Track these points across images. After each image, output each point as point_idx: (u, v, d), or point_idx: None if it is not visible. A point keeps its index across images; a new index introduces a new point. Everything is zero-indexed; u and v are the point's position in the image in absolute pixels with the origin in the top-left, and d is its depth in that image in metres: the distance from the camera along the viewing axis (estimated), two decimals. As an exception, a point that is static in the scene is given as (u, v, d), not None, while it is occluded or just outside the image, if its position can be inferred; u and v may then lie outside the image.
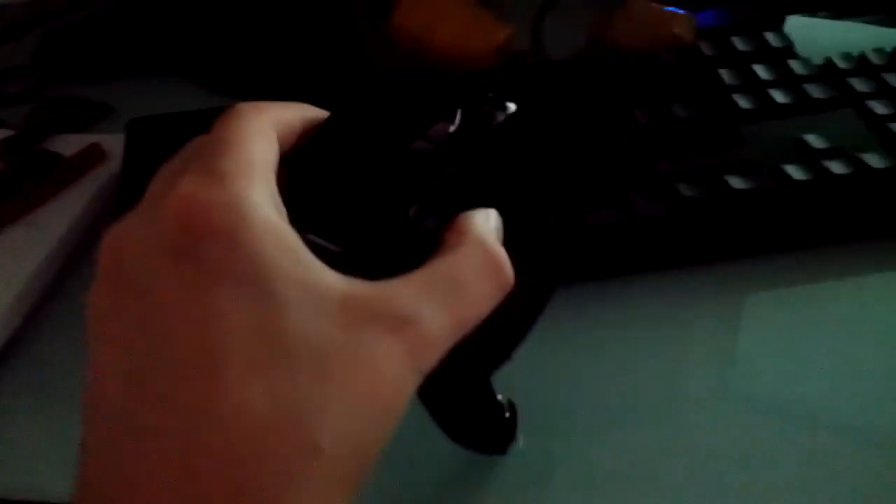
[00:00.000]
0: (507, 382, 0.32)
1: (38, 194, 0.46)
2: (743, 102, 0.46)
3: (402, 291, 0.23)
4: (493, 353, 0.30)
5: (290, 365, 0.21)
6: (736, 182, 0.41)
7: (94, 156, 0.48)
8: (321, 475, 0.20)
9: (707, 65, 0.48)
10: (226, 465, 0.20)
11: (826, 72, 0.48)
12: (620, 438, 0.35)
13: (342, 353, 0.21)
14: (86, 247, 0.45)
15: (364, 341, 0.21)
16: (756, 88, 0.46)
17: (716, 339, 0.40)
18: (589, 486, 0.34)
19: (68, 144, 0.49)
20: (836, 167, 0.42)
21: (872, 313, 0.40)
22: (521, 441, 0.34)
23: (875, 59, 0.48)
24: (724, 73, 0.47)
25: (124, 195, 0.44)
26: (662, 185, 0.41)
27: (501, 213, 0.27)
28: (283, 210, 0.23)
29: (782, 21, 0.56)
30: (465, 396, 0.31)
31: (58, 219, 0.45)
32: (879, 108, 0.45)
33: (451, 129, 0.27)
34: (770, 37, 0.49)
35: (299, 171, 0.26)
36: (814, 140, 0.43)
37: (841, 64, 0.48)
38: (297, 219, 0.23)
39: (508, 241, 0.26)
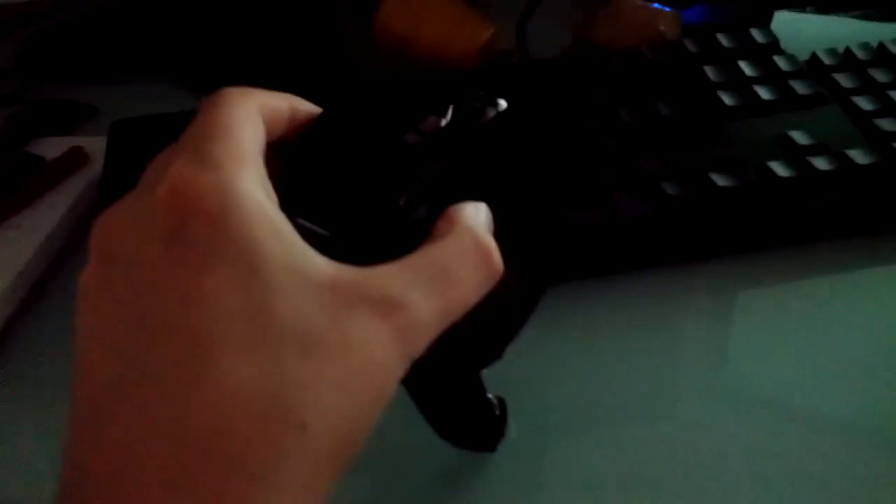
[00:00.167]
0: (498, 381, 0.32)
1: (21, 197, 0.46)
2: (728, 99, 0.45)
3: (391, 276, 0.23)
4: (484, 351, 0.30)
5: (278, 345, 0.21)
6: (721, 180, 0.41)
7: (76, 158, 0.48)
8: (307, 452, 0.21)
9: (692, 62, 0.48)
10: (213, 441, 0.20)
11: (811, 68, 0.48)
12: (610, 437, 0.35)
13: (329, 335, 0.21)
14: (69, 249, 0.45)
15: (351, 324, 0.22)
16: (741, 85, 0.46)
17: (705, 337, 0.39)
18: (579, 485, 0.34)
19: (52, 147, 0.49)
20: (821, 164, 0.42)
21: (858, 309, 0.40)
22: (513, 431, 0.34)
23: (861, 54, 0.48)
24: (709, 71, 0.47)
25: (106, 196, 0.44)
26: (647, 183, 0.41)
27: (493, 207, 0.27)
28: (274, 195, 0.23)
29: (770, 18, 0.56)
30: (455, 394, 0.31)
31: (41, 221, 0.45)
32: (865, 103, 0.45)
33: (443, 123, 0.27)
34: (755, 33, 0.49)
35: (292, 159, 0.26)
36: (799, 136, 0.43)
37: (826, 60, 0.48)
38: (288, 204, 0.23)
39: (499, 239, 0.26)
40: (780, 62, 0.48)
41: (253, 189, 0.22)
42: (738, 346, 0.39)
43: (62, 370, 0.24)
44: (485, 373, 0.31)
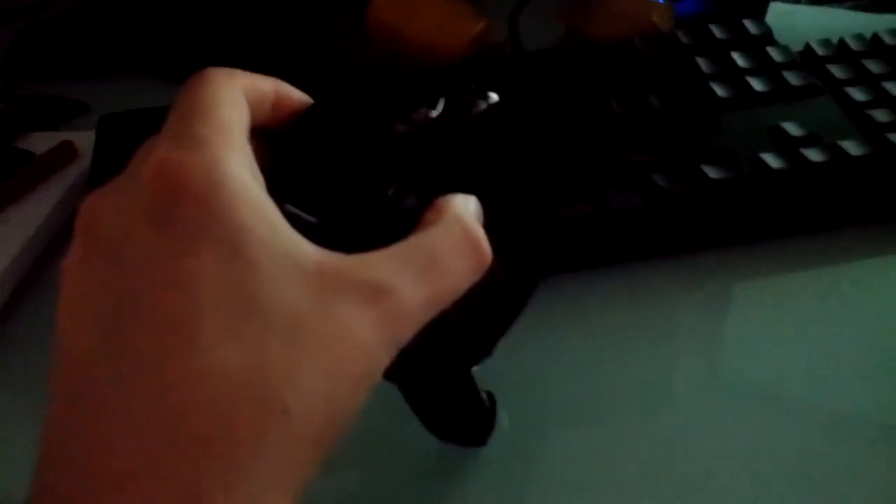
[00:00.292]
0: (490, 375, 0.32)
1: (9, 192, 0.46)
2: (721, 91, 0.45)
3: (378, 263, 0.23)
4: (475, 348, 0.30)
5: (262, 328, 0.21)
6: (713, 172, 0.41)
7: (65, 153, 0.48)
8: (288, 437, 0.20)
9: (684, 53, 0.47)
10: (193, 423, 0.20)
11: (805, 59, 0.48)
12: (603, 431, 0.35)
13: (314, 319, 0.21)
14: (58, 243, 0.45)
15: (337, 309, 0.22)
16: (734, 77, 0.46)
17: (698, 330, 0.39)
18: (572, 481, 0.33)
19: (41, 142, 0.49)
20: (814, 155, 0.41)
21: (853, 301, 0.39)
22: (505, 425, 0.34)
23: (855, 45, 0.48)
24: (702, 62, 0.47)
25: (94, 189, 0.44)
26: (639, 176, 0.41)
27: (483, 202, 0.27)
28: (261, 178, 0.23)
29: (765, 9, 0.56)
30: (447, 391, 0.31)
31: (30, 216, 0.45)
32: (858, 94, 0.45)
33: (433, 114, 0.27)
34: (748, 24, 0.49)
35: (281, 145, 0.26)
36: (791, 128, 0.43)
37: (820, 51, 0.48)
38: (276, 190, 0.23)
39: (489, 233, 0.26)
40: (774, 53, 0.47)
41: (239, 170, 0.22)
42: (732, 339, 0.39)
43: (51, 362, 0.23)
44: (476, 368, 0.31)
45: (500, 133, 0.30)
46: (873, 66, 0.46)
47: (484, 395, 0.33)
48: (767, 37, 0.49)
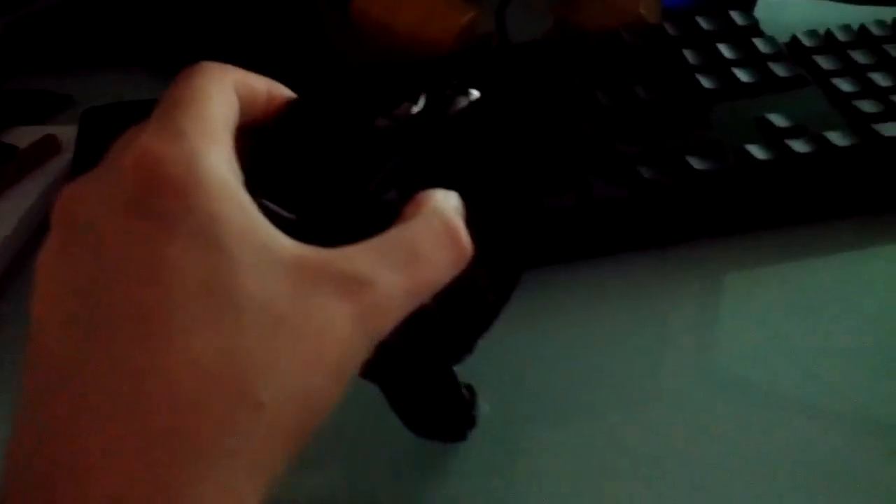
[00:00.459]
0: (474, 369, 0.31)
1: (-8, 186, 0.45)
2: (707, 82, 0.45)
3: (356, 255, 0.23)
4: (456, 346, 0.30)
5: (237, 320, 0.21)
6: (698, 163, 0.40)
7: (49, 147, 0.48)
8: (262, 430, 0.20)
9: (671, 45, 0.47)
10: (164, 414, 0.20)
11: (792, 50, 0.48)
12: (590, 424, 0.35)
13: (291, 312, 0.21)
14: (39, 238, 0.45)
15: (314, 302, 0.21)
16: (720, 68, 0.46)
17: (684, 321, 0.39)
18: (557, 474, 0.33)
19: (25, 136, 0.48)
20: (800, 146, 0.41)
21: (839, 292, 0.39)
22: (490, 419, 0.34)
23: (841, 36, 0.48)
24: (689, 54, 0.46)
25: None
26: (624, 167, 0.41)
27: (465, 199, 0.27)
28: (239, 173, 0.23)
29: (754, 1, 0.55)
30: (428, 386, 0.31)
31: (12, 209, 0.44)
32: (845, 85, 0.45)
33: (415, 110, 0.27)
34: (735, 16, 0.49)
35: (261, 140, 0.26)
36: (777, 119, 0.43)
37: (807, 42, 0.48)
38: (255, 185, 0.23)
39: (472, 228, 0.26)
40: (760, 45, 0.47)
41: (218, 164, 0.22)
42: (719, 331, 0.39)
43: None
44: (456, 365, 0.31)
45: (482, 129, 0.30)
46: (860, 57, 0.46)
47: (464, 390, 0.33)
48: (754, 28, 0.48)
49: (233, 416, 0.20)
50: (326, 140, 0.27)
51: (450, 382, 0.31)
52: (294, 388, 0.21)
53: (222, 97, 0.24)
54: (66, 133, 0.48)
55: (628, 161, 0.41)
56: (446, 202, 0.26)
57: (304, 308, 0.21)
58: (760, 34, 0.48)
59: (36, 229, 0.45)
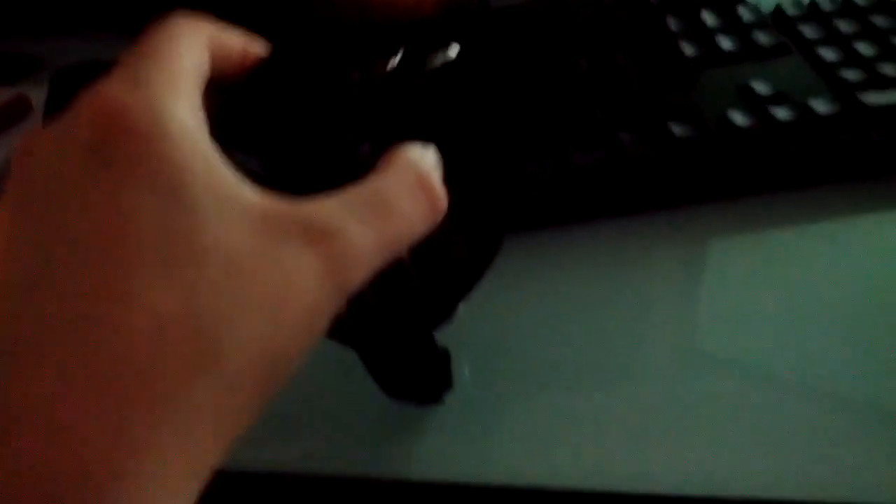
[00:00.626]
0: (453, 334, 0.31)
1: (-40, 147, 0.44)
2: (689, 49, 0.44)
3: (324, 205, 0.22)
4: (436, 307, 0.29)
5: (199, 271, 0.20)
6: (678, 129, 0.40)
7: (20, 107, 0.47)
8: (224, 382, 0.20)
9: (654, 11, 0.47)
10: (121, 362, 0.19)
11: (776, 19, 0.47)
12: (567, 392, 0.34)
13: (254, 262, 0.21)
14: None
15: (280, 252, 0.21)
16: (703, 35, 0.45)
17: (663, 287, 0.39)
18: (536, 440, 0.33)
19: (-5, 97, 0.48)
20: (782, 113, 0.41)
21: (819, 260, 0.39)
22: (465, 376, 0.34)
23: (826, 5, 0.47)
24: (671, 20, 0.46)
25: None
26: (604, 133, 0.40)
27: (444, 160, 0.26)
28: (205, 125, 0.22)
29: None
30: (406, 350, 0.31)
31: (-20, 172, 0.44)
32: (829, 54, 0.44)
33: (392, 65, 0.27)
34: (720, -17, 0.48)
35: (232, 93, 0.26)
36: (760, 86, 0.42)
37: (790, 11, 0.47)
38: (224, 137, 0.23)
39: (450, 191, 0.25)
40: (744, 12, 0.46)
41: (182, 113, 0.21)
42: (700, 297, 0.38)
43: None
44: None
45: (460, 87, 0.29)
46: (844, 27, 0.46)
47: (441, 353, 0.32)
48: (739, -5, 0.48)
49: (193, 367, 0.19)
50: (300, 92, 0.26)
51: (428, 346, 0.31)
52: (257, 340, 0.20)
53: (192, 51, 0.23)
54: (37, 94, 0.48)
55: (608, 127, 0.40)
56: (422, 156, 0.25)
57: (269, 259, 0.21)
58: (744, 2, 0.48)
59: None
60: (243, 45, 0.26)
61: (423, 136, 0.27)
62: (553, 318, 0.37)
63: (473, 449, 0.33)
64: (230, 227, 0.21)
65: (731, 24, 0.46)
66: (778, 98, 0.41)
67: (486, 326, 0.36)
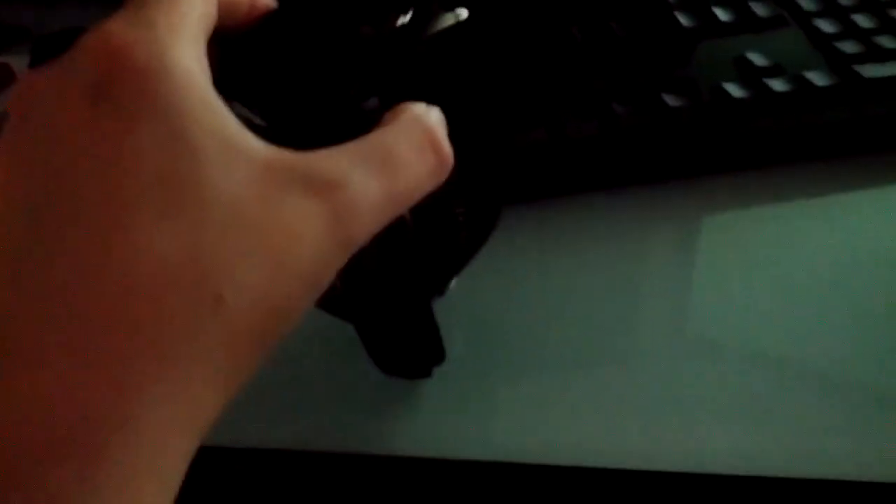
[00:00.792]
0: (447, 307, 0.31)
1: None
2: (686, 20, 0.44)
3: (329, 157, 0.22)
4: (433, 276, 0.29)
5: (200, 217, 0.19)
6: (672, 100, 0.39)
7: (3, 76, 0.46)
8: (223, 331, 0.19)
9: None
10: (122, 308, 0.19)
11: (773, -11, 0.47)
12: (561, 366, 0.34)
13: (256, 210, 0.20)
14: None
15: (283, 201, 0.20)
16: (700, 6, 0.45)
17: (656, 260, 0.38)
18: (529, 414, 0.33)
19: (-22, 66, 0.47)
20: (778, 85, 0.40)
21: (816, 234, 0.38)
22: (457, 350, 0.33)
23: (824, -23, 0.47)
24: (668, -9, 0.45)
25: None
26: (598, 103, 0.39)
27: (448, 124, 0.26)
28: (209, 72, 0.22)
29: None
30: (401, 320, 0.30)
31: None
32: (827, 26, 0.44)
33: (401, 21, 0.27)
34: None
35: (238, 46, 0.25)
36: (756, 58, 0.42)
37: (789, -18, 0.46)
38: (228, 89, 0.22)
39: (455, 156, 0.25)
40: (741, -17, 0.46)
41: (186, 58, 0.21)
42: (691, 270, 0.38)
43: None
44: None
45: (466, 51, 0.29)
46: (842, -1, 0.45)
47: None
48: (736, -33, 0.47)
49: (192, 314, 0.19)
50: (308, 45, 0.26)
51: (424, 316, 0.30)
52: (259, 290, 0.20)
53: None
54: (20, 63, 0.47)
55: (602, 98, 0.40)
56: (429, 112, 0.25)
57: (271, 208, 0.20)
58: (742, -27, 0.47)
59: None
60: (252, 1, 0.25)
61: (428, 98, 0.27)
62: (546, 292, 0.37)
63: (466, 425, 0.32)
64: (233, 174, 0.20)
65: (729, -5, 0.45)
66: (774, 70, 0.41)
67: (480, 299, 0.36)
